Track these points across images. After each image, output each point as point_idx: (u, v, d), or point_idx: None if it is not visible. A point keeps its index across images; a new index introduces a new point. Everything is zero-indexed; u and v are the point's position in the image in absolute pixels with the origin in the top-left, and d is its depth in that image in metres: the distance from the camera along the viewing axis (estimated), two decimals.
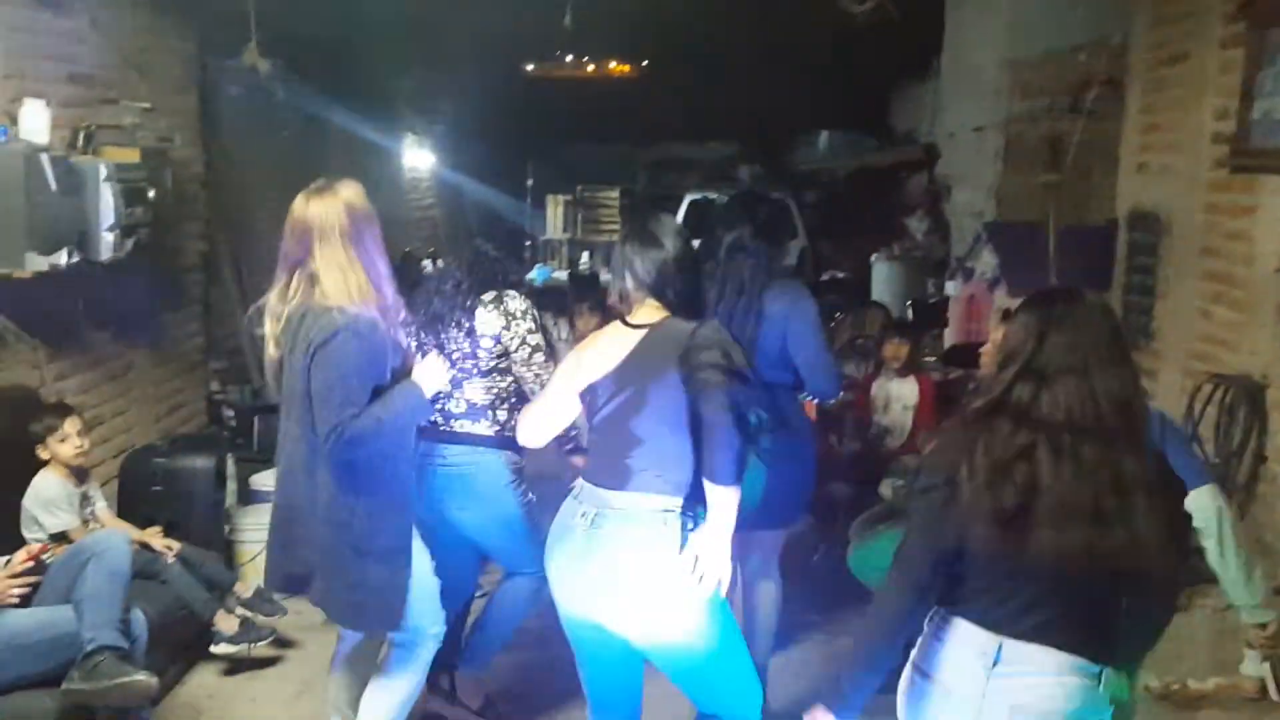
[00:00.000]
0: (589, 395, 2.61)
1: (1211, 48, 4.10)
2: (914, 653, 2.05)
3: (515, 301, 3.31)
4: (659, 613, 2.50)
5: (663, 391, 2.50)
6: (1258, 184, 3.76)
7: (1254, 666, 3.38)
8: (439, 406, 3.20)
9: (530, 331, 3.27)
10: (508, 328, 3.25)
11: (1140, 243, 4.68)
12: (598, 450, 2.63)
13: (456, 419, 3.26)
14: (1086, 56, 7.22)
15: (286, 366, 2.74)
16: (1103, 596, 1.86)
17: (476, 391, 3.25)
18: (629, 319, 2.63)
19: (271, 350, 2.79)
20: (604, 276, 8.02)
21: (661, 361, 2.51)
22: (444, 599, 2.94)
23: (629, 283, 2.64)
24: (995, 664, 1.90)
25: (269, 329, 2.77)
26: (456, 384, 3.21)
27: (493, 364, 3.25)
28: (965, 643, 1.94)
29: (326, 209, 2.70)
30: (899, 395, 5.12)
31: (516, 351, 3.25)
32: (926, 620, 2.02)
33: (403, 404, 2.71)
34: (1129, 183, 4.89)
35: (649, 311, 2.62)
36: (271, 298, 2.77)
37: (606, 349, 2.61)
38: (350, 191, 2.77)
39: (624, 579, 2.49)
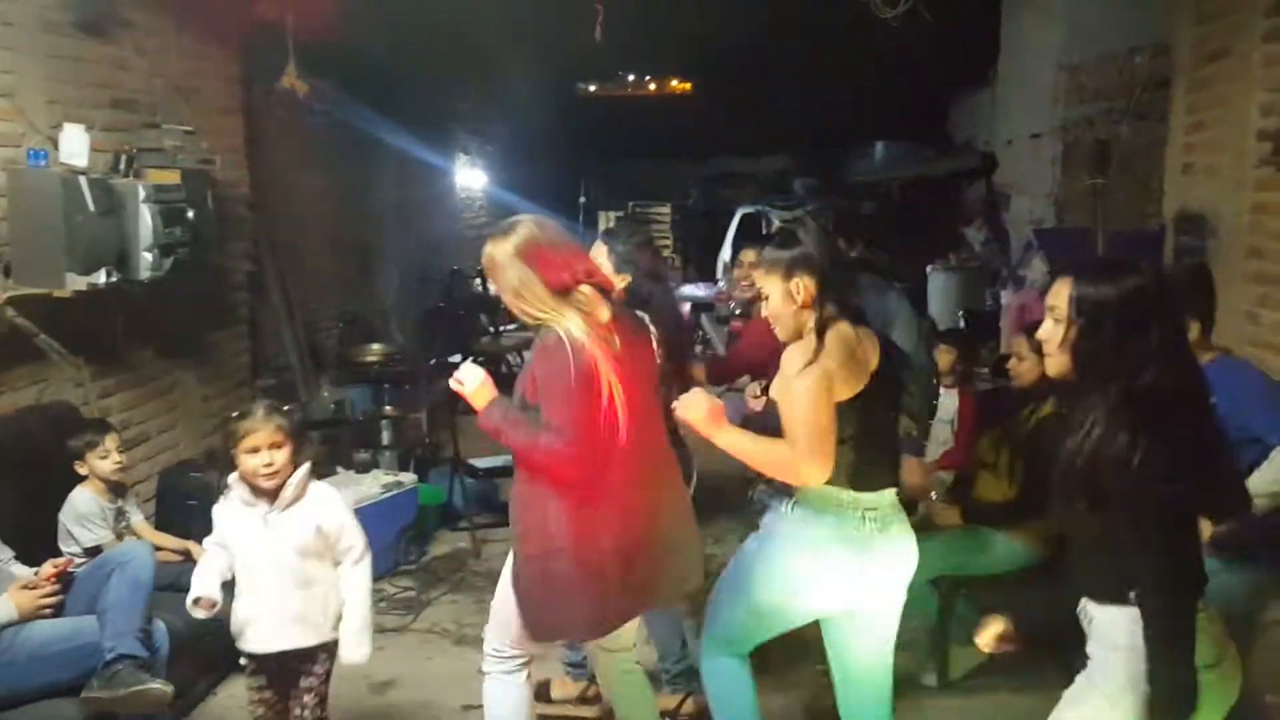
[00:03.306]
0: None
1: (1254, 42, 3.98)
2: None
3: None
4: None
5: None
6: None
7: None
8: None
9: None
10: None
11: (1188, 245, 4.54)
12: (862, 457, 2.62)
13: None
14: (1143, 58, 7.06)
15: None
16: None
17: None
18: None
19: None
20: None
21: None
22: None
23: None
24: None
25: None
26: None
27: None
28: None
29: None
30: (942, 407, 5.01)
31: None
32: None
33: None
34: (1176, 184, 4.75)
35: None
36: None
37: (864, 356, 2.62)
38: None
39: (907, 568, 2.70)
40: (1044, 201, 9.13)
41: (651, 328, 3.06)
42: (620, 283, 3.44)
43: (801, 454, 2.50)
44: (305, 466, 3.01)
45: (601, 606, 2.64)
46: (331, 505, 3.04)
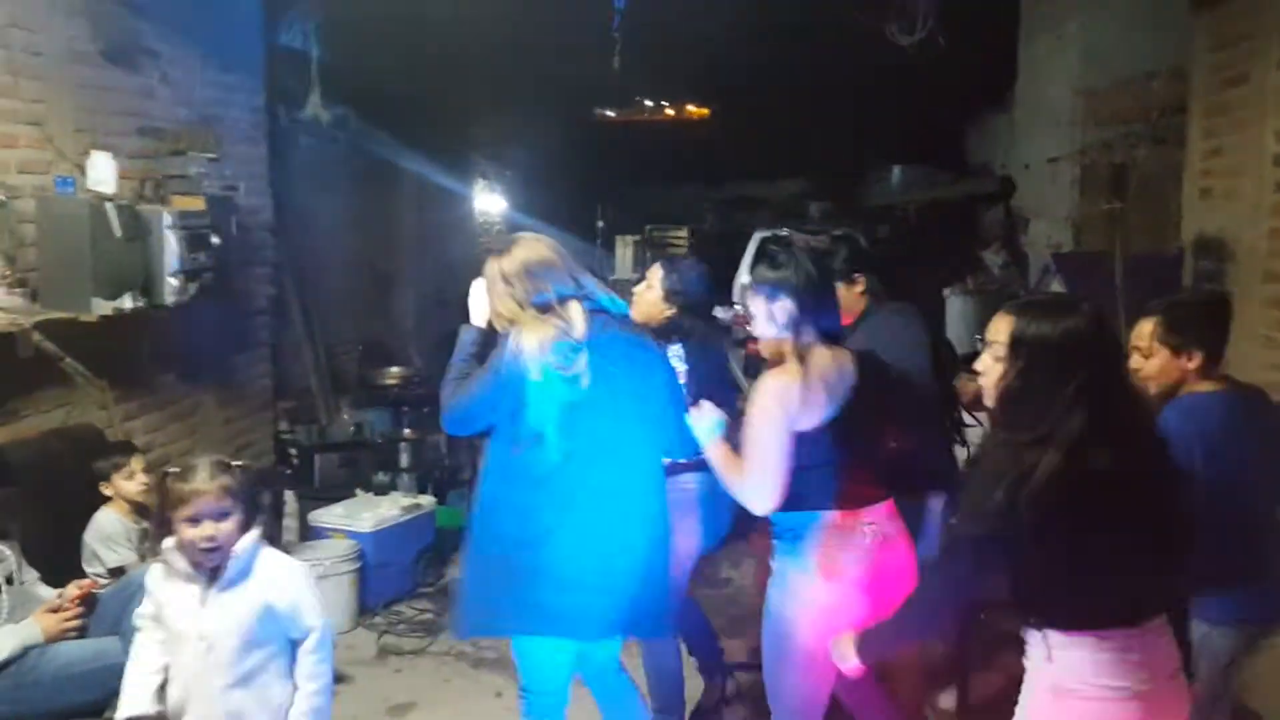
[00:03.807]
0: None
1: (1271, 69, 3.97)
2: None
3: None
4: None
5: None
6: None
7: None
8: None
9: None
10: None
11: (1206, 270, 4.53)
12: (848, 477, 2.65)
13: None
14: (1160, 83, 7.06)
15: None
16: None
17: None
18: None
19: None
20: None
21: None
22: None
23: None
24: None
25: None
26: None
27: None
28: None
29: None
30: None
31: None
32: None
33: None
34: (1193, 209, 4.74)
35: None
36: None
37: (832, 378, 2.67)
38: None
39: (911, 573, 2.68)
40: (1062, 225, 9.11)
41: (679, 362, 3.13)
42: (663, 312, 3.47)
43: (747, 482, 2.57)
44: (253, 535, 2.55)
45: (479, 606, 2.73)
46: (287, 580, 2.57)
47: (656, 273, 3.54)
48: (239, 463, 2.59)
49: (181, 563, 2.50)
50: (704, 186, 15.20)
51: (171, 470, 2.54)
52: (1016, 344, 2.04)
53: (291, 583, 2.57)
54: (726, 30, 9.00)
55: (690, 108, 15.22)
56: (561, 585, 2.66)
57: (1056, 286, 6.96)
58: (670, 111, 14.94)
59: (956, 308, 9.95)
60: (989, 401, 2.13)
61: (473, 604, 2.75)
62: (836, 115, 12.24)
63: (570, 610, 2.69)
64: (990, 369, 2.10)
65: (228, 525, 2.48)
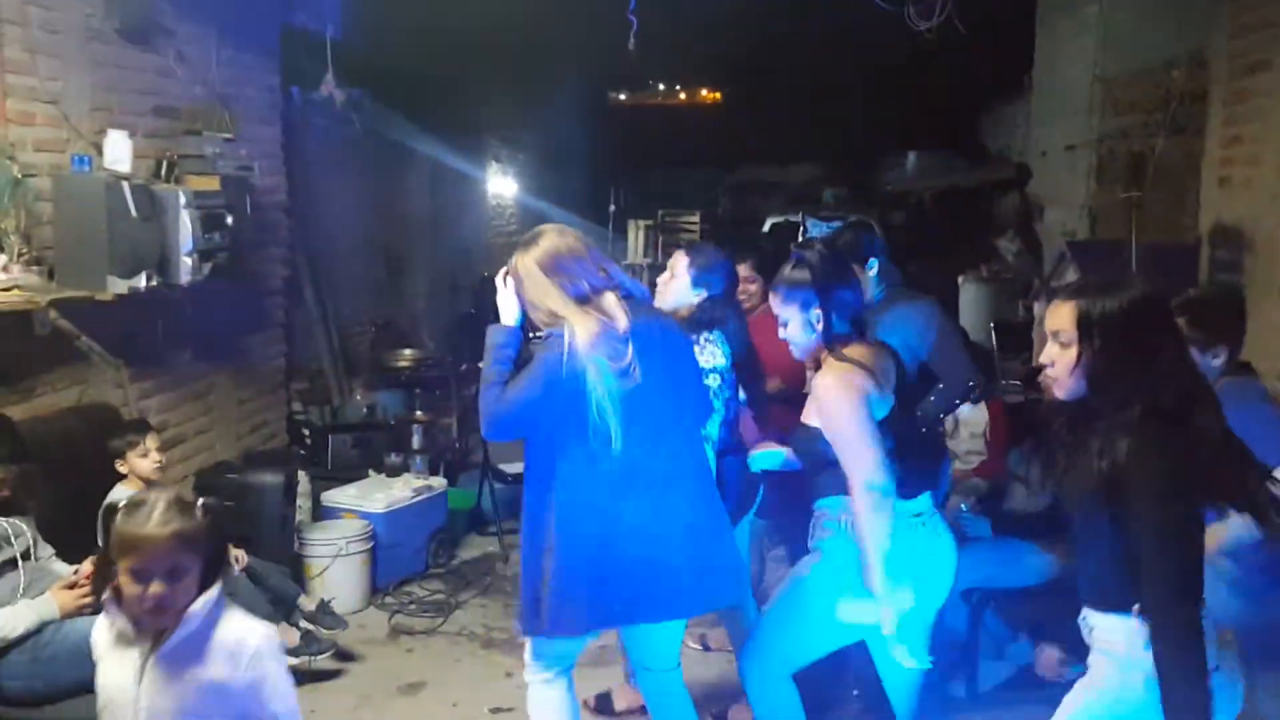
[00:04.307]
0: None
1: None
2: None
3: None
4: None
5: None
6: None
7: None
8: None
9: None
10: None
11: (1223, 259, 4.51)
12: (905, 466, 2.68)
13: None
14: (1179, 71, 7.00)
15: None
16: None
17: None
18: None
19: None
20: None
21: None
22: None
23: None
24: None
25: None
26: None
27: None
28: None
29: None
30: (967, 420, 4.97)
31: None
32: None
33: None
34: (1212, 197, 4.71)
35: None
36: None
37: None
38: None
39: (952, 566, 2.79)
40: (1078, 213, 9.06)
41: (716, 346, 3.20)
42: (691, 298, 3.46)
43: (859, 474, 2.57)
44: (212, 594, 2.05)
45: (580, 605, 2.65)
46: (249, 655, 2.06)
47: (680, 260, 3.52)
48: (204, 501, 2.10)
49: (121, 620, 2.03)
50: (717, 171, 15.17)
51: (115, 502, 2.13)
52: (1085, 326, 2.03)
53: (254, 658, 2.07)
54: (740, 14, 8.96)
55: (704, 91, 15.20)
56: (657, 571, 2.68)
57: (1072, 275, 6.92)
58: (683, 95, 14.92)
59: (971, 295, 9.91)
60: (1060, 392, 2.09)
61: (569, 605, 2.67)
62: (851, 100, 12.20)
63: (669, 592, 2.71)
64: (1060, 358, 2.07)
65: (182, 585, 1.99)
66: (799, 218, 11.56)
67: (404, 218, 8.55)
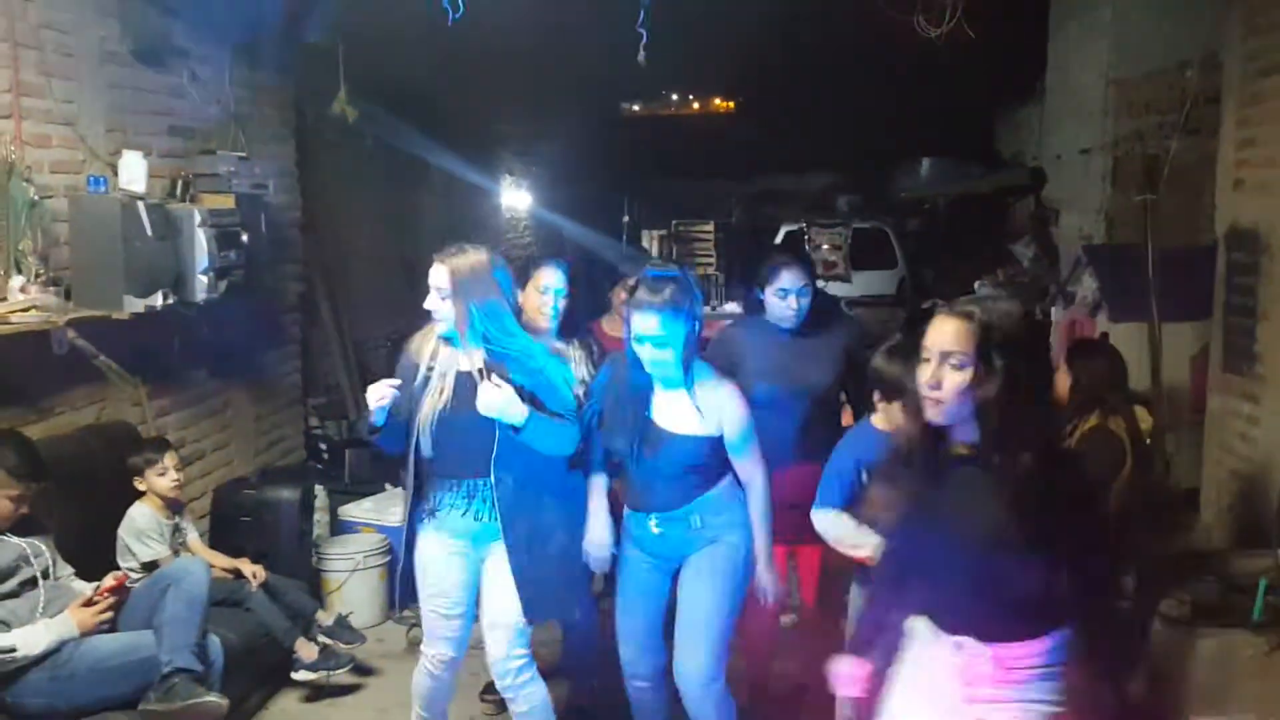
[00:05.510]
0: None
1: None
2: None
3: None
4: None
5: None
6: None
7: None
8: None
9: None
10: None
11: (1240, 262, 4.46)
12: None
13: None
14: (1193, 73, 6.96)
15: None
16: None
17: None
18: None
19: None
20: None
21: None
22: None
23: None
24: None
25: None
26: None
27: None
28: None
29: None
30: None
31: None
32: None
33: None
34: (1227, 200, 4.67)
35: None
36: None
37: None
38: None
39: None
40: (1094, 217, 9.00)
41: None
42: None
43: None
44: None
45: None
46: None
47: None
48: None
49: None
50: (731, 180, 15.19)
51: None
52: (985, 349, 1.93)
53: None
54: (752, 23, 8.97)
55: (716, 101, 15.19)
56: None
57: (1088, 279, 6.88)
58: (696, 105, 14.92)
59: None
60: (938, 416, 1.99)
61: None
62: (864, 108, 12.18)
63: None
64: (950, 379, 1.95)
65: None
66: (797, 227, 11.58)
67: (419, 232, 8.57)
